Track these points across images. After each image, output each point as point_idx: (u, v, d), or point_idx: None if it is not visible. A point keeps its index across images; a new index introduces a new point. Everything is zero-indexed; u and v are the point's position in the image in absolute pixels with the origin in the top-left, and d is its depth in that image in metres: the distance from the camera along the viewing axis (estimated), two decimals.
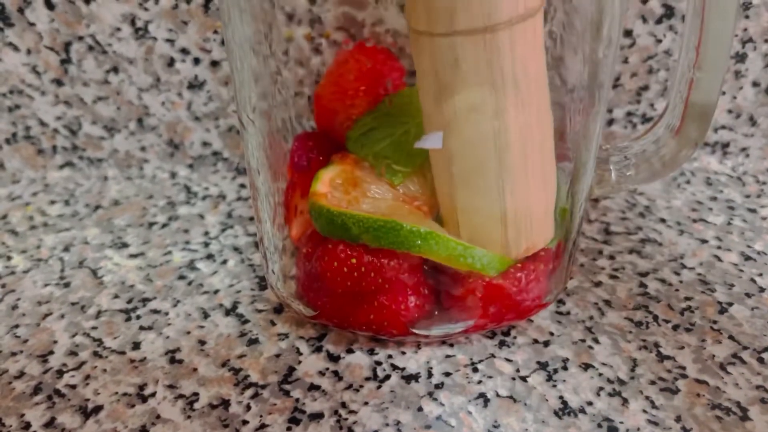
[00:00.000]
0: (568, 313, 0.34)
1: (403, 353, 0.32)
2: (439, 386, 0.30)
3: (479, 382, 0.30)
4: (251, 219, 0.43)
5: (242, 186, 0.47)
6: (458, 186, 0.27)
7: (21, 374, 0.31)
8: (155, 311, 0.35)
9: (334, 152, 0.30)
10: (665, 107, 0.31)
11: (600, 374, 0.30)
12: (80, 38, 0.43)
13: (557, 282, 0.32)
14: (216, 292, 0.36)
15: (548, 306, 0.33)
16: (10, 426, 0.28)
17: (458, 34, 0.23)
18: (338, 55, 0.32)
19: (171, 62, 0.44)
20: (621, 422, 0.28)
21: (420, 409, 0.29)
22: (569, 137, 0.29)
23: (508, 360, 0.31)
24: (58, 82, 0.45)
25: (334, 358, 0.31)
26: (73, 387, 0.30)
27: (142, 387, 0.30)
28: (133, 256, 0.40)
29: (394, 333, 0.30)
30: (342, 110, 0.31)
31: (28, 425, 0.28)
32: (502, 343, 0.32)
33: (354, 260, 0.28)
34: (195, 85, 0.45)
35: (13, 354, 0.32)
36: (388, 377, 0.30)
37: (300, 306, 0.32)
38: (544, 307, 0.32)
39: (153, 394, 0.30)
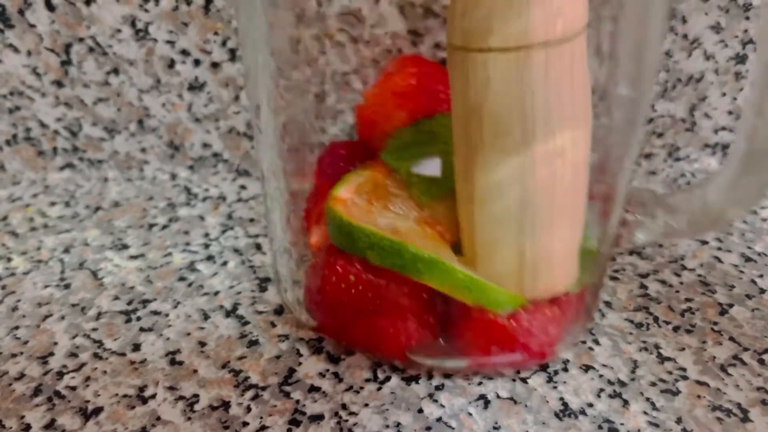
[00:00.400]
0: None
1: None
2: (439, 388, 0.30)
3: (479, 383, 0.30)
4: (251, 220, 0.43)
5: (242, 187, 0.47)
6: (478, 215, 0.26)
7: (21, 376, 0.31)
8: (155, 313, 0.35)
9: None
10: (728, 158, 0.29)
11: (600, 376, 0.30)
12: (81, 40, 0.43)
13: (575, 329, 0.30)
14: (216, 293, 0.36)
15: (560, 355, 0.31)
16: (10, 428, 0.28)
17: (492, 50, 0.23)
18: (388, 65, 0.31)
19: (171, 64, 0.44)
20: (621, 424, 0.28)
21: (420, 410, 0.29)
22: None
23: None
24: (59, 84, 0.45)
25: (334, 360, 0.31)
26: (74, 389, 0.30)
27: (142, 388, 0.30)
28: (133, 257, 0.40)
29: (391, 357, 0.29)
30: (384, 122, 0.30)
31: (28, 427, 0.28)
32: None
33: (352, 277, 0.27)
34: (195, 86, 0.45)
35: (13, 355, 0.32)
36: (388, 379, 0.30)
37: (303, 315, 0.31)
38: (556, 355, 0.30)
39: (153, 396, 0.30)
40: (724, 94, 0.46)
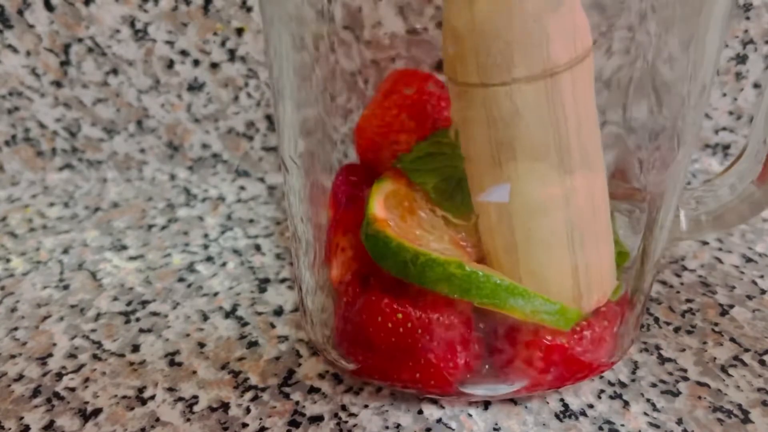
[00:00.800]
0: None
1: None
2: None
3: None
4: (251, 221, 0.43)
5: (242, 188, 0.47)
6: (520, 238, 0.25)
7: (20, 377, 0.31)
8: (155, 314, 0.35)
9: None
10: (743, 149, 0.29)
11: (601, 377, 0.30)
12: (80, 40, 0.43)
13: (622, 341, 0.29)
14: (215, 294, 0.36)
15: (612, 366, 0.30)
16: (9, 429, 0.28)
17: (517, 81, 0.22)
18: (383, 83, 0.29)
19: (170, 64, 0.44)
20: (622, 425, 0.28)
21: (420, 411, 0.29)
22: (642, 182, 0.28)
23: None
24: (58, 84, 0.45)
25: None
26: (73, 390, 0.30)
27: (141, 390, 0.30)
28: (132, 258, 0.39)
29: (441, 392, 0.28)
30: (387, 146, 0.28)
31: (27, 428, 0.28)
32: None
33: (400, 315, 0.26)
34: (194, 86, 0.45)
35: (12, 356, 0.32)
36: None
37: (339, 358, 0.29)
38: (609, 367, 0.29)
39: (152, 397, 0.30)
40: (724, 95, 0.46)
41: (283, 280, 0.37)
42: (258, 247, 0.40)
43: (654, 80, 0.26)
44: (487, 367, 0.28)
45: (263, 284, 0.37)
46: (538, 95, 0.22)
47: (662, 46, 0.25)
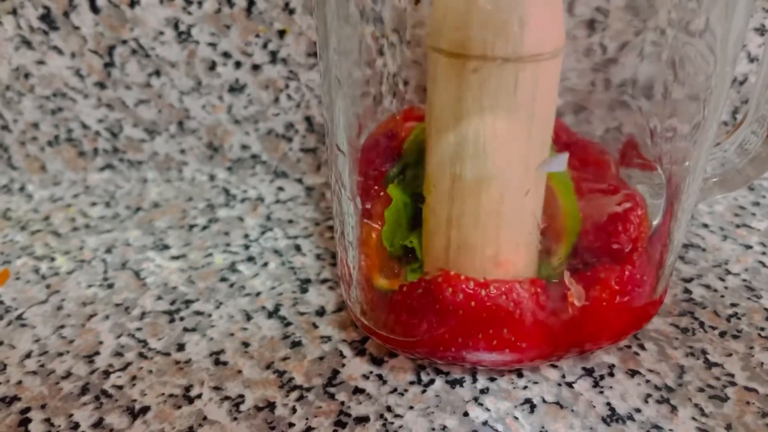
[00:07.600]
0: None
1: None
2: (484, 391, 0.30)
3: (525, 387, 0.30)
4: (290, 222, 0.43)
5: (280, 189, 0.47)
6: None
7: (68, 374, 0.31)
8: (198, 313, 0.35)
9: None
10: (747, 110, 0.30)
11: (647, 381, 0.30)
12: (124, 42, 0.43)
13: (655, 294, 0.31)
14: (258, 294, 0.36)
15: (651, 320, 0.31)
16: (59, 426, 0.29)
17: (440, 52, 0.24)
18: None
19: (212, 66, 0.44)
20: (671, 429, 0.27)
21: (466, 414, 0.29)
22: (653, 153, 0.29)
23: (553, 366, 0.31)
24: (101, 86, 0.45)
25: (377, 362, 0.31)
26: (120, 388, 0.30)
27: (188, 388, 0.30)
28: (174, 257, 0.40)
29: (506, 367, 0.29)
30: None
31: (76, 425, 0.29)
32: None
33: (472, 284, 0.27)
34: (236, 88, 0.45)
35: (60, 354, 0.33)
36: (432, 381, 0.30)
37: (390, 334, 0.30)
38: (655, 312, 0.31)
39: (199, 396, 0.30)
40: None
41: (324, 281, 0.37)
42: (298, 248, 0.40)
43: (675, 49, 0.27)
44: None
45: (304, 284, 0.37)
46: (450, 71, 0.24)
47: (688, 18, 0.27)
